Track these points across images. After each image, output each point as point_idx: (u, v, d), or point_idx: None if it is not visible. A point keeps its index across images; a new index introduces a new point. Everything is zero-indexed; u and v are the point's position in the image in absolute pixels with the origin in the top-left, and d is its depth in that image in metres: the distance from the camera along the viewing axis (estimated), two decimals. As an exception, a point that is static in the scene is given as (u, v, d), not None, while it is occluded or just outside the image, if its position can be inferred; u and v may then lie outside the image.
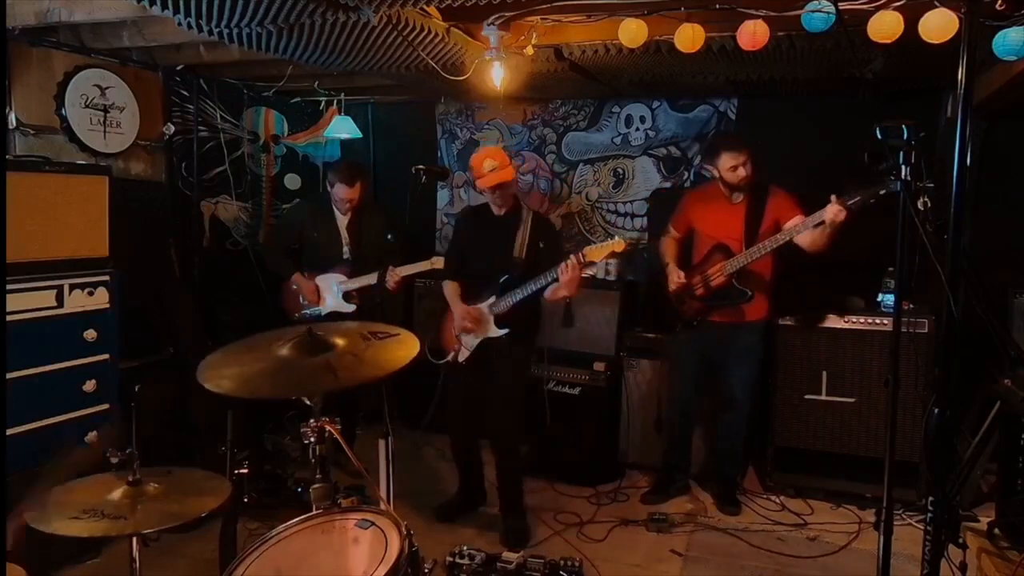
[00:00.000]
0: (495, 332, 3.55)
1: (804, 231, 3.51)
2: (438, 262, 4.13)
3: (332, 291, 4.27)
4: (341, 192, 4.18)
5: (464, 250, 3.77)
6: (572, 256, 3.29)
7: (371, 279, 4.06)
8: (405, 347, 2.11)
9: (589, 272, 3.46)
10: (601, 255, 3.34)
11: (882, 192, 3.19)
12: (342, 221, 4.31)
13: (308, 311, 4.27)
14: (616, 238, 3.38)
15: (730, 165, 3.68)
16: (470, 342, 3.62)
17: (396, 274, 3.96)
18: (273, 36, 3.05)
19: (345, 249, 4.31)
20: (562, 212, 5.34)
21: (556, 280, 3.33)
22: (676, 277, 3.88)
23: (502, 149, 3.71)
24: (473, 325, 3.56)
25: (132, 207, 4.07)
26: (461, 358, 3.64)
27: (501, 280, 3.51)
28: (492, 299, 3.54)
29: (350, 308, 4.24)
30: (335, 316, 4.20)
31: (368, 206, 4.46)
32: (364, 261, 4.21)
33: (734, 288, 3.74)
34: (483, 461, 3.87)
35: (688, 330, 3.99)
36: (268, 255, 4.54)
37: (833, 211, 3.33)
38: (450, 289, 3.72)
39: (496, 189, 3.49)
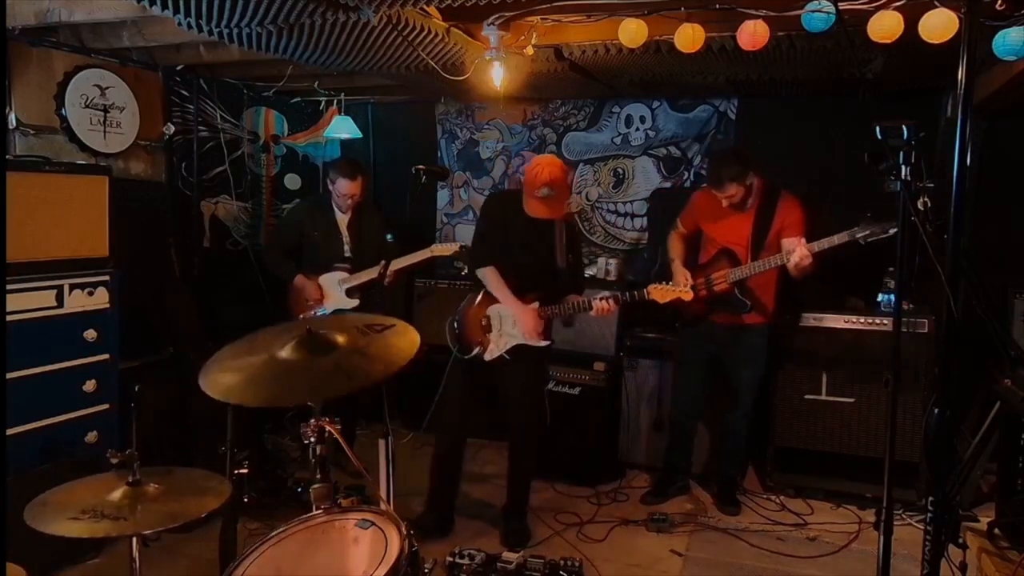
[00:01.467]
0: (536, 342, 3.43)
1: (782, 262, 3.55)
2: (438, 249, 4.13)
3: (335, 289, 4.28)
4: (343, 187, 4.18)
5: (496, 239, 3.49)
6: (610, 298, 3.36)
7: (372, 273, 4.08)
8: (405, 338, 2.10)
9: (656, 305, 3.50)
10: (665, 299, 3.42)
11: (847, 240, 3.33)
12: (342, 220, 4.32)
13: (314, 311, 4.29)
14: (687, 287, 3.47)
15: (723, 196, 3.69)
16: (501, 343, 3.45)
17: (392, 266, 3.94)
18: (273, 36, 3.05)
19: (346, 247, 4.32)
20: (562, 212, 5.34)
21: (589, 309, 3.38)
22: (683, 279, 3.79)
23: (568, 177, 3.46)
24: (536, 325, 3.39)
25: (132, 207, 4.06)
26: (488, 356, 3.46)
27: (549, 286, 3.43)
28: (536, 305, 3.42)
29: (353, 303, 4.26)
30: (339, 314, 4.21)
31: (367, 206, 4.48)
32: (364, 259, 4.22)
33: (736, 298, 3.74)
34: (461, 471, 3.73)
35: (689, 328, 4.00)
36: (269, 257, 4.54)
37: (798, 256, 3.44)
38: (493, 276, 3.44)
39: (537, 215, 3.34)
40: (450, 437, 3.63)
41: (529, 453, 3.65)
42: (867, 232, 3.28)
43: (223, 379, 1.97)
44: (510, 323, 3.46)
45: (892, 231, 3.15)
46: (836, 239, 3.40)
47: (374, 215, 4.46)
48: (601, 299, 3.38)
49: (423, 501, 3.64)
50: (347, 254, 4.31)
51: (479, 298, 3.53)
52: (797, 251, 3.45)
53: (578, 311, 3.43)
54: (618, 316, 4.48)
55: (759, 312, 3.80)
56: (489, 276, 3.46)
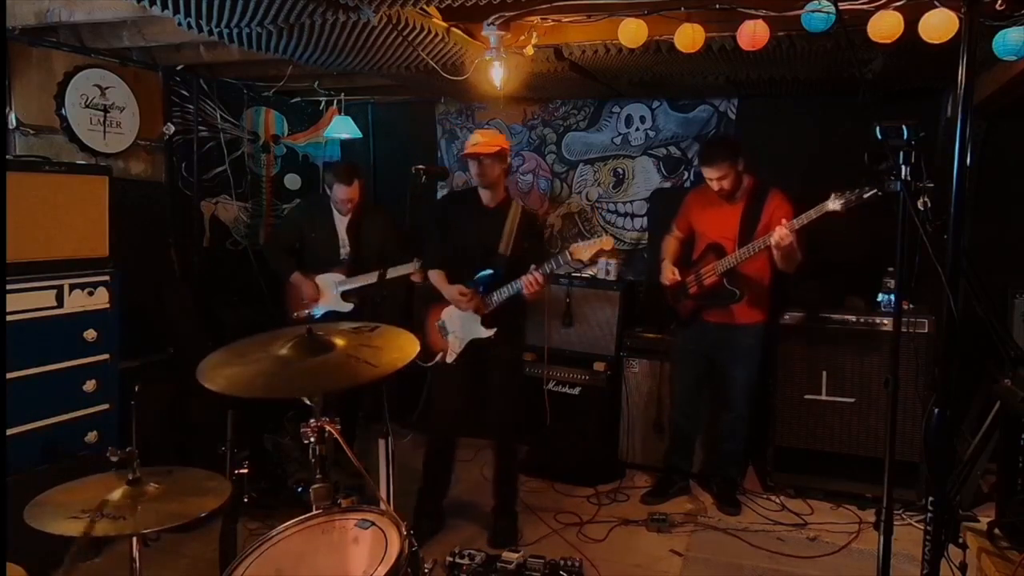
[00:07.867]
0: (482, 333, 3.47)
1: (765, 245, 3.54)
2: (393, 272, 4.12)
3: (331, 291, 4.27)
4: (340, 192, 4.16)
5: (447, 236, 3.58)
6: (534, 271, 3.31)
7: (370, 278, 4.06)
8: (402, 335, 2.16)
9: (582, 265, 3.45)
10: (589, 254, 3.36)
11: (830, 208, 3.28)
12: (342, 222, 4.31)
13: (307, 311, 4.27)
14: (604, 236, 3.40)
15: (710, 177, 3.71)
16: (456, 344, 3.52)
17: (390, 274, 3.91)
18: (273, 36, 3.05)
19: (343, 250, 4.30)
20: (562, 212, 5.34)
21: (521, 289, 3.36)
22: (670, 273, 3.92)
23: (501, 135, 3.63)
24: (468, 304, 3.43)
25: (132, 207, 4.07)
26: (449, 359, 3.54)
27: (480, 275, 3.42)
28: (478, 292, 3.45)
29: (347, 308, 4.24)
30: (332, 315, 4.21)
31: (369, 208, 4.45)
32: (362, 262, 4.21)
33: (724, 288, 3.75)
34: (452, 472, 3.75)
35: (682, 328, 4.02)
36: (270, 254, 4.53)
37: (778, 234, 3.41)
38: (438, 277, 3.57)
39: (475, 157, 3.40)
40: (438, 442, 3.67)
41: (512, 452, 3.67)
42: (842, 201, 3.25)
43: (226, 374, 1.97)
44: (458, 323, 3.53)
45: (867, 195, 3.13)
46: (813, 212, 3.36)
47: (376, 217, 4.41)
48: (528, 274, 3.35)
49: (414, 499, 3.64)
50: (343, 257, 4.29)
51: (434, 305, 3.60)
52: (776, 231, 3.42)
53: (508, 293, 3.41)
54: (618, 315, 4.50)
55: (752, 304, 3.80)
56: (435, 278, 3.57)
